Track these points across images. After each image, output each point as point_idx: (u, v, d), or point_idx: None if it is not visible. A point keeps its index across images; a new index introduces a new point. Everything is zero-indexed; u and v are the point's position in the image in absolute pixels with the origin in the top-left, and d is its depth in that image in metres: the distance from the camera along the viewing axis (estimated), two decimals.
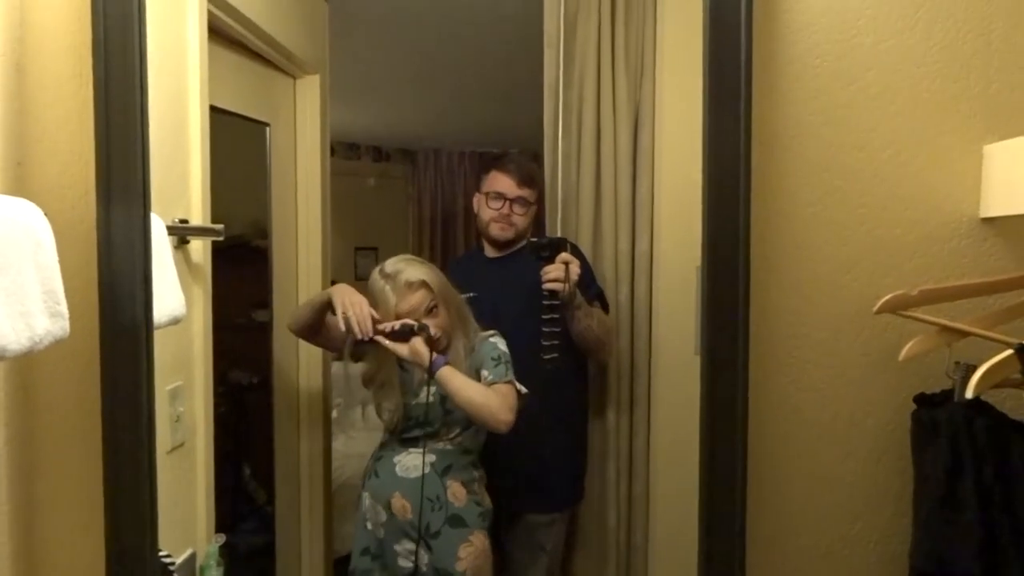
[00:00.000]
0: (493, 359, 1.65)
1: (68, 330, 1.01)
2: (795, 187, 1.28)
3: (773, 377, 1.30)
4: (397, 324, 1.60)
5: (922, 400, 1.23)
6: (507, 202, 1.86)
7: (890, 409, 1.29)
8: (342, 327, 1.61)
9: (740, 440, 1.22)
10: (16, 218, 0.96)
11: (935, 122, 1.27)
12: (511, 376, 1.64)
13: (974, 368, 1.07)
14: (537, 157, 1.91)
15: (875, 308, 1.18)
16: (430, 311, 1.64)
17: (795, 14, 1.26)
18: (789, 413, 1.31)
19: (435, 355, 1.59)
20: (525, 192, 1.86)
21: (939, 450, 1.16)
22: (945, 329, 1.18)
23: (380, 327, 1.61)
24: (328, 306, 1.67)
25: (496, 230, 1.87)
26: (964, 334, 1.18)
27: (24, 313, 0.95)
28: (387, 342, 1.60)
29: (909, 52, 1.26)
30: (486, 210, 1.88)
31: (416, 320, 1.61)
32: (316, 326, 1.74)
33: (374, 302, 1.64)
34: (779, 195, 1.28)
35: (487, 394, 1.59)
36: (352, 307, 1.60)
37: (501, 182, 1.87)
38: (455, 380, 1.59)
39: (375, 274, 1.68)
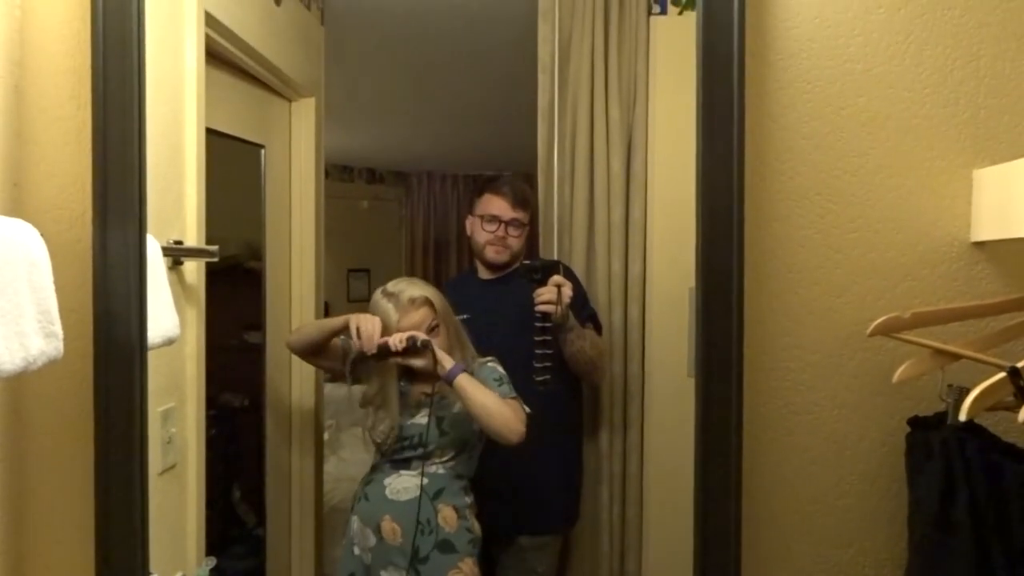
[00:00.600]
0: (495, 380, 1.65)
1: (62, 350, 1.01)
2: (787, 211, 1.29)
3: (766, 400, 1.30)
4: (404, 338, 1.58)
5: (916, 423, 1.23)
6: (502, 224, 1.85)
7: (884, 432, 1.29)
8: (353, 337, 1.61)
9: (734, 463, 1.21)
10: (11, 238, 0.96)
11: (925, 147, 1.28)
12: (515, 395, 1.64)
13: (967, 391, 1.07)
14: (531, 180, 1.92)
15: (868, 331, 1.18)
16: (432, 330, 1.64)
17: (787, 41, 1.28)
18: (782, 436, 1.31)
19: (452, 363, 1.59)
20: (519, 214, 1.86)
21: (933, 473, 1.15)
22: (938, 352, 1.19)
23: (388, 341, 1.59)
24: (340, 331, 1.67)
25: (492, 253, 1.87)
26: (957, 357, 1.18)
27: (19, 333, 0.94)
28: (403, 359, 1.59)
29: (899, 78, 1.28)
30: (481, 233, 1.88)
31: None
32: (320, 347, 1.73)
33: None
34: (772, 220, 1.29)
35: (502, 403, 1.59)
36: (365, 322, 1.61)
37: (495, 205, 1.86)
38: (472, 387, 1.58)
39: (377, 294, 1.68)
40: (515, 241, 1.86)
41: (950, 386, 1.19)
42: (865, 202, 1.29)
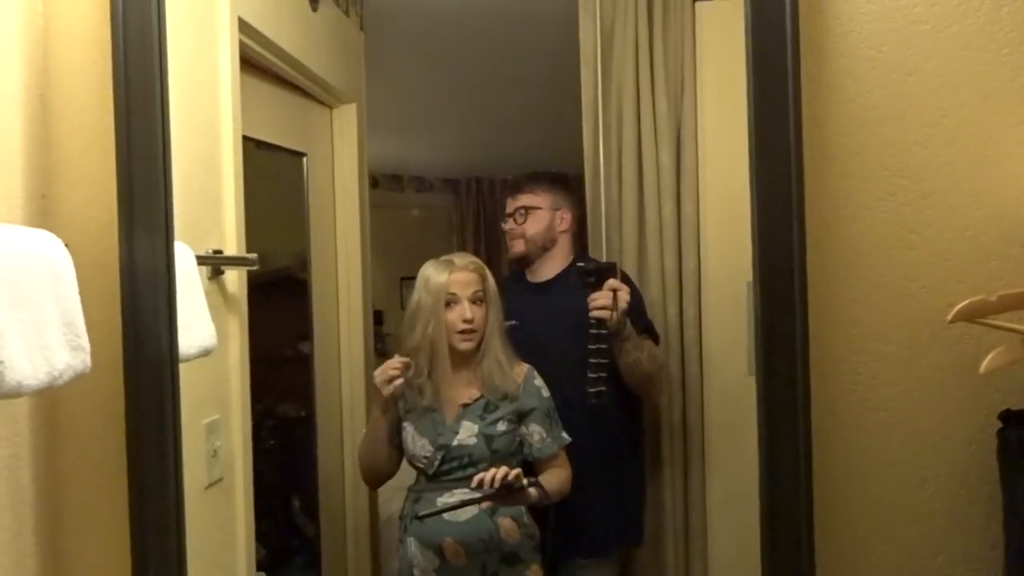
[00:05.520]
0: (546, 414, 1.61)
1: (89, 364, 0.99)
2: (852, 189, 1.19)
3: (836, 397, 1.21)
4: (500, 477, 1.48)
5: (1009, 417, 1.11)
6: (509, 217, 1.83)
7: (971, 428, 1.18)
8: (386, 388, 1.59)
9: (803, 467, 1.13)
10: (31, 249, 0.94)
11: (1006, 113, 1.17)
12: (563, 436, 1.63)
13: None
14: (577, 178, 1.86)
15: (949, 316, 1.08)
16: (477, 300, 1.60)
17: (845, 3, 1.18)
18: (857, 436, 1.21)
19: (535, 491, 1.56)
20: (524, 199, 1.82)
21: None
22: None
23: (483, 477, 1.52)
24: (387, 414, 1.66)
25: (510, 249, 1.84)
26: None
27: (42, 347, 0.92)
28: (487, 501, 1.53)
29: (974, 38, 1.17)
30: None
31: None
32: (387, 456, 1.70)
33: (421, 287, 1.62)
34: (835, 198, 1.19)
35: (564, 481, 1.62)
36: (379, 375, 1.60)
37: (507, 202, 1.86)
38: (553, 491, 1.60)
39: (428, 262, 1.65)
40: (528, 227, 1.81)
41: None
42: (940, 176, 1.18)
